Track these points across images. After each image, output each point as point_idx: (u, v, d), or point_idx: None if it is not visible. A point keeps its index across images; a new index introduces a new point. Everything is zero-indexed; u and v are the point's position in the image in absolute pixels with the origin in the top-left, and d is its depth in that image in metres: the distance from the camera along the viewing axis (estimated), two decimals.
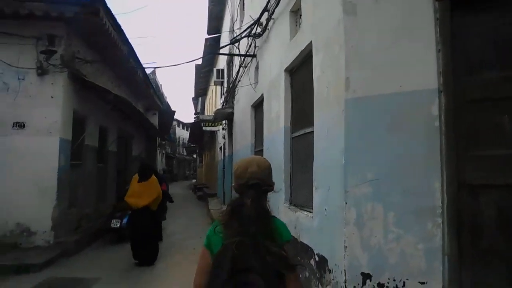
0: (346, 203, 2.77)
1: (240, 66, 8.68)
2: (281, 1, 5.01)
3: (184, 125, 46.58)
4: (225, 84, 12.92)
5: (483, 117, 2.50)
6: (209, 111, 20.67)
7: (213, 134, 18.71)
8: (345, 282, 2.69)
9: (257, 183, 1.57)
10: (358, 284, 2.64)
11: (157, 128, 16.71)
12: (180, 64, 16.03)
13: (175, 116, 25.22)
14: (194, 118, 29.89)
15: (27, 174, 6.41)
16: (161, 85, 24.32)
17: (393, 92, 2.68)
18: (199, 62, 17.72)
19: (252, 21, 6.52)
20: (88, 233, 7.51)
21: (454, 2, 2.57)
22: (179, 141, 44.78)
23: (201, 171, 32.78)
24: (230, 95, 11.19)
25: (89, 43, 7.90)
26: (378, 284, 2.58)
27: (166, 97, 23.59)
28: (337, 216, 2.91)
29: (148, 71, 12.28)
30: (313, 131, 3.79)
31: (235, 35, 9.17)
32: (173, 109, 20.66)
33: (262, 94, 6.30)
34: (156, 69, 22.80)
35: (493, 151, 2.44)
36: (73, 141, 7.30)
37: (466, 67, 2.56)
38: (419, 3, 2.66)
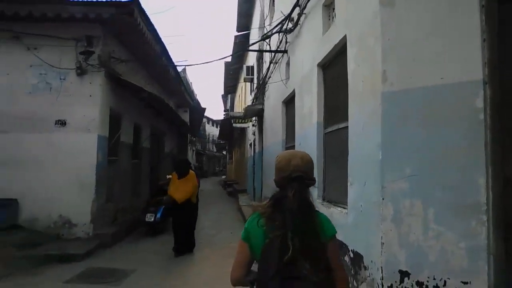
0: (383, 199, 2.71)
1: (270, 62, 8.66)
2: None
3: (214, 122, 47.26)
4: (255, 81, 12.95)
5: None
6: (239, 108, 20.83)
7: (243, 130, 18.82)
8: (382, 279, 2.63)
9: (300, 175, 1.56)
10: (396, 281, 2.58)
11: (188, 125, 17.02)
12: (211, 61, 16.20)
13: (205, 113, 25.58)
14: (224, 115, 30.22)
15: (68, 169, 6.74)
16: (191, 82, 24.74)
17: (433, 85, 2.58)
18: (229, 59, 17.88)
19: (283, 17, 6.49)
20: (123, 226, 7.79)
21: None
22: (208, 138, 45.45)
23: (230, 168, 33.13)
24: (260, 92, 11.20)
25: (124, 43, 8.15)
26: (417, 282, 2.51)
27: (196, 95, 23.99)
28: (373, 212, 2.86)
29: (179, 69, 12.50)
30: (347, 126, 3.72)
31: (265, 32, 9.16)
32: (203, 106, 20.95)
33: (294, 90, 6.26)
34: (186, 67, 23.19)
35: None
36: (110, 138, 7.58)
37: None
38: None
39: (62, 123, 6.93)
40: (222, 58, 17.29)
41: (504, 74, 2.43)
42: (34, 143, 6.78)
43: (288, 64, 6.93)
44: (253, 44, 9.07)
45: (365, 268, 2.96)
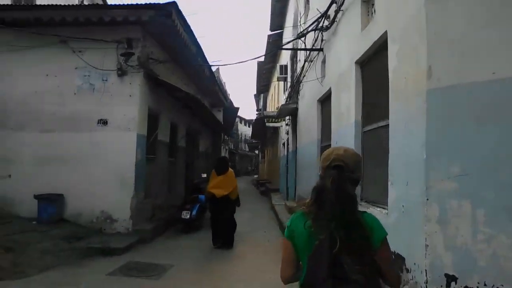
0: (427, 199, 2.61)
1: (305, 61, 8.59)
2: None
3: (246, 122, 47.57)
4: (288, 80, 12.89)
5: None
6: (272, 107, 20.83)
7: (276, 130, 18.81)
8: (426, 283, 2.54)
9: (340, 165, 1.51)
10: (442, 286, 2.48)
11: (222, 124, 17.23)
12: (245, 61, 16.33)
13: (238, 113, 25.78)
14: (256, 114, 30.32)
15: (109, 167, 7.02)
16: (224, 82, 25.06)
17: (484, 80, 2.45)
18: (262, 59, 17.92)
19: (319, 14, 6.42)
20: (160, 223, 8.00)
21: None
22: (241, 137, 45.80)
23: (263, 167, 33.20)
24: (294, 91, 11.14)
25: (161, 44, 8.37)
26: (465, 287, 2.39)
27: (229, 95, 24.26)
28: (417, 213, 2.76)
29: (212, 69, 12.69)
30: (387, 125, 3.63)
31: (299, 30, 9.10)
32: (235, 106, 21.15)
33: (330, 88, 6.17)
34: (219, 67, 23.49)
35: None
36: (148, 136, 7.82)
37: None
38: None
39: (104, 122, 7.23)
40: (256, 58, 17.43)
41: None
42: (78, 142, 7.12)
43: (324, 62, 6.84)
44: (287, 43, 9.03)
45: (408, 271, 2.87)
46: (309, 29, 6.92)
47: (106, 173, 7.01)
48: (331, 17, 5.96)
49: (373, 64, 4.35)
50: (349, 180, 1.51)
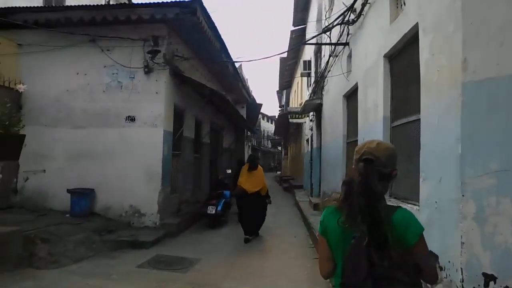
0: (463, 195, 2.53)
1: (330, 56, 8.48)
2: None
3: (269, 118, 47.52)
4: (312, 75, 12.77)
5: None
6: (294, 103, 20.71)
7: (299, 126, 18.71)
8: (462, 281, 2.47)
9: (370, 159, 1.47)
10: (479, 285, 2.40)
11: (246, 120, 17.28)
12: (268, 57, 16.37)
13: (260, 110, 25.75)
14: (279, 111, 30.22)
15: (137, 162, 7.19)
16: (247, 79, 25.08)
17: None
18: (284, 55, 17.83)
19: (345, 8, 6.31)
20: (186, 217, 8.14)
21: None
22: (263, 134, 45.80)
23: (286, 163, 33.12)
24: (318, 86, 11.03)
25: (186, 41, 8.46)
26: (506, 287, 2.31)
27: (251, 91, 24.27)
28: (451, 210, 2.68)
29: (235, 65, 12.72)
30: (418, 119, 3.54)
31: (323, 25, 8.98)
32: (258, 102, 21.11)
33: (356, 83, 6.07)
34: (242, 63, 23.53)
35: None
36: (174, 132, 7.95)
37: None
38: None
39: (131, 119, 7.40)
40: (280, 54, 17.29)
41: None
42: (107, 138, 7.33)
43: (349, 56, 6.73)
44: (312, 38, 8.93)
45: (441, 269, 2.80)
46: (335, 23, 6.81)
47: (134, 169, 7.19)
48: (358, 10, 5.85)
49: (402, 58, 4.24)
50: (380, 174, 1.46)
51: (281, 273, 5.03)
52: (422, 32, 3.39)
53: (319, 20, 10.91)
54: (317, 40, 9.74)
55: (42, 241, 5.03)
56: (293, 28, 15.76)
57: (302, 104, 12.62)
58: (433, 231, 2.97)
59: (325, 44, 8.52)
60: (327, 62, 8.92)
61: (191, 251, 6.02)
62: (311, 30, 12.21)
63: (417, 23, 3.51)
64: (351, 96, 6.83)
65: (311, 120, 13.23)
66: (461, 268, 2.49)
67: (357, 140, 5.95)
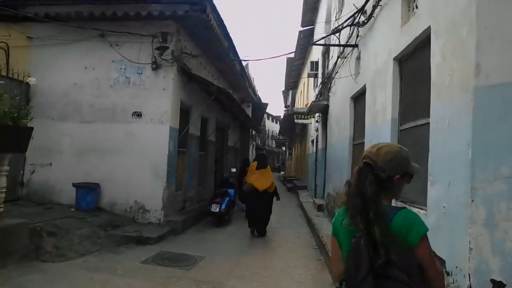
0: (472, 200, 2.51)
1: (338, 57, 8.45)
2: None
3: (274, 118, 47.48)
4: (319, 76, 12.73)
5: None
6: (300, 104, 20.67)
7: (305, 127, 18.68)
8: (470, 287, 2.45)
9: (368, 162, 1.54)
10: None
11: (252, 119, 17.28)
12: (276, 56, 16.45)
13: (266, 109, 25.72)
14: (284, 111, 30.20)
15: (142, 158, 7.22)
16: (253, 78, 25.05)
17: None
18: (292, 55, 17.80)
19: (355, 10, 6.28)
20: (191, 215, 8.16)
21: None
22: (268, 134, 45.77)
23: (290, 164, 33.11)
24: (325, 87, 11.00)
25: (194, 38, 8.46)
26: None
27: (257, 91, 24.24)
28: (460, 214, 2.66)
29: (242, 64, 12.72)
30: (427, 123, 3.51)
31: (332, 26, 8.95)
32: (263, 102, 21.07)
33: (364, 85, 6.04)
34: (249, 63, 23.52)
35: None
36: (180, 129, 7.96)
37: None
38: None
39: (138, 114, 7.42)
40: (289, 53, 17.30)
41: None
42: (114, 133, 7.36)
43: (358, 58, 6.70)
44: (321, 38, 8.89)
45: (448, 274, 2.78)
46: (344, 24, 6.78)
47: (140, 165, 7.21)
48: (368, 12, 5.82)
49: (413, 61, 4.22)
50: (378, 178, 1.50)
51: (284, 273, 5.03)
52: (434, 35, 3.36)
53: (328, 21, 10.88)
54: (325, 41, 9.71)
55: (48, 234, 5.07)
56: (301, 29, 15.73)
57: (308, 105, 12.59)
58: (441, 236, 2.96)
59: (334, 45, 8.49)
60: (335, 63, 8.89)
61: (195, 248, 6.03)
62: (320, 31, 12.18)
63: (429, 26, 3.49)
64: (359, 98, 6.80)
65: (317, 121, 13.21)
66: (469, 274, 2.47)
67: (363, 142, 5.93)
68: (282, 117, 28.64)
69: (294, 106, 24.56)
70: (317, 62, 12.85)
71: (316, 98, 12.22)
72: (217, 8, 7.45)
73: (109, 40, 7.47)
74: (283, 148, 44.64)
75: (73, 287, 4.00)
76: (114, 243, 5.68)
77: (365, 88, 6.02)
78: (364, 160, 1.57)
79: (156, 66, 7.42)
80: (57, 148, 7.43)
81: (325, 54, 11.85)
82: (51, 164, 7.42)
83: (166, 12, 6.96)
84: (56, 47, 7.45)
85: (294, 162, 28.56)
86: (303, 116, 14.96)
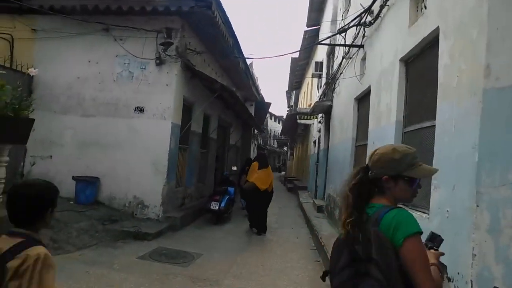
0: (477, 205, 2.46)
1: (343, 58, 8.39)
2: None
3: (276, 118, 47.40)
4: (324, 77, 12.66)
5: None
6: (304, 104, 20.61)
7: (307, 127, 18.62)
8: None
9: (365, 166, 1.58)
10: None
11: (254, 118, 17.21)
12: (283, 55, 16.42)
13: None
14: (287, 111, 30.13)
15: (143, 154, 7.18)
16: (257, 77, 24.99)
17: None
18: (296, 55, 17.74)
19: (362, 10, 6.22)
20: (190, 212, 8.12)
21: None
22: (270, 133, 45.72)
23: (291, 164, 33.05)
24: (329, 88, 10.94)
25: (199, 35, 8.41)
26: None
27: (260, 90, 24.18)
28: (464, 220, 2.61)
29: (246, 62, 12.65)
30: (433, 125, 3.46)
31: (338, 26, 8.88)
32: (266, 101, 21.01)
33: (369, 86, 5.98)
34: (253, 62, 23.47)
35: None
36: (182, 126, 7.92)
37: None
38: None
39: (140, 109, 7.38)
40: (294, 52, 17.41)
41: None
42: (115, 128, 7.33)
43: (364, 59, 6.64)
44: (326, 38, 8.83)
45: (449, 280, 2.72)
46: (351, 24, 6.72)
47: (140, 160, 7.18)
48: (375, 12, 5.76)
49: (420, 62, 4.16)
50: (365, 178, 1.54)
51: (282, 273, 4.99)
52: (443, 36, 3.30)
53: (333, 21, 10.80)
54: (330, 41, 9.64)
55: None
56: (306, 29, 15.66)
57: (312, 105, 12.53)
58: (444, 242, 2.89)
59: (340, 45, 8.43)
60: (340, 64, 8.83)
61: (193, 245, 6.00)
62: (325, 31, 12.11)
63: (437, 26, 3.43)
64: (363, 99, 6.74)
65: (319, 122, 13.14)
66: (471, 281, 2.42)
67: (366, 144, 5.87)
68: (284, 117, 28.59)
69: (297, 106, 24.49)
70: (321, 63, 12.79)
71: (320, 98, 12.15)
72: (222, 5, 7.41)
73: (114, 35, 7.43)
74: (285, 148, 44.57)
75: (69, 281, 3.96)
76: (112, 238, 5.65)
77: (370, 89, 5.96)
78: (366, 163, 1.63)
79: (160, 62, 7.38)
80: (58, 141, 7.40)
81: (330, 55, 11.79)
82: (51, 156, 7.40)
83: (171, 8, 6.92)
84: (60, 40, 7.42)
85: (295, 163, 28.50)
86: (306, 117, 14.91)
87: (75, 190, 6.81)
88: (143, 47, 7.37)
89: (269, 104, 20.62)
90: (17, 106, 4.44)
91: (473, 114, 2.61)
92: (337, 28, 8.56)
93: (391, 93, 4.76)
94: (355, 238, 1.43)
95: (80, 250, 4.96)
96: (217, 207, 8.00)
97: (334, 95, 10.14)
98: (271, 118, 44.35)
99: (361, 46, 6.73)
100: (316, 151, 14.14)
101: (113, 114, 7.38)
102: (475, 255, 2.42)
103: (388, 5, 5.24)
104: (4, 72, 4.60)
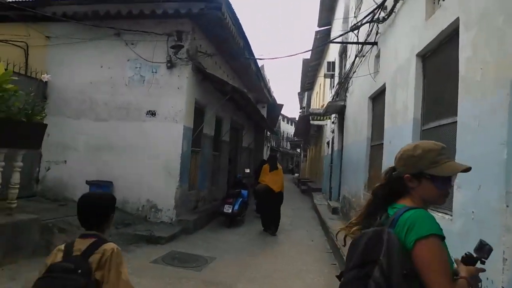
0: (507, 206, 2.29)
1: (356, 56, 8.22)
2: None
3: (288, 120, 47.23)
4: (336, 76, 12.49)
5: None
6: (316, 105, 20.42)
7: (320, 128, 18.42)
8: None
9: (393, 166, 1.52)
10: None
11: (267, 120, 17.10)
12: (294, 54, 16.37)
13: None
14: (299, 112, 29.95)
15: (156, 157, 7.15)
16: (268, 79, 24.89)
17: None
18: (307, 56, 17.61)
19: (375, 6, 6.06)
20: (203, 215, 8.05)
21: None
22: (283, 135, 45.54)
23: (304, 166, 32.79)
24: (342, 88, 10.76)
25: (209, 37, 8.36)
26: None
27: (272, 92, 24.06)
28: (492, 221, 2.44)
29: (258, 64, 12.57)
30: (454, 122, 3.29)
31: (350, 24, 8.72)
32: (278, 103, 20.87)
33: (384, 84, 5.81)
34: (264, 64, 23.41)
35: None
36: (194, 129, 7.87)
37: None
38: None
39: (152, 113, 7.37)
40: (304, 52, 17.26)
41: None
42: (128, 132, 7.33)
43: (377, 56, 6.47)
44: (338, 36, 8.68)
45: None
46: (364, 21, 6.57)
47: (153, 163, 7.15)
48: (389, 8, 5.59)
49: (438, 56, 3.99)
50: (395, 179, 1.49)
51: (296, 278, 4.85)
52: (464, 27, 3.14)
53: (345, 19, 10.63)
54: (342, 39, 9.49)
55: (60, 231, 5.04)
56: (318, 29, 15.52)
57: (324, 106, 12.36)
58: (469, 244, 2.71)
59: (352, 43, 8.28)
60: (353, 62, 8.66)
61: (206, 249, 5.92)
62: (336, 31, 11.94)
63: (457, 18, 3.26)
64: (378, 98, 6.56)
65: (333, 123, 12.96)
66: (502, 287, 2.25)
67: (382, 144, 5.70)
68: (297, 119, 28.40)
69: (309, 107, 24.29)
70: (333, 63, 12.62)
71: (333, 98, 11.97)
72: (232, 6, 7.35)
73: (125, 39, 7.45)
74: (298, 150, 44.32)
75: None
76: (125, 241, 5.60)
77: (385, 87, 5.79)
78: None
79: (170, 65, 7.36)
80: (72, 146, 7.45)
81: (342, 54, 11.62)
82: (65, 161, 7.44)
83: (181, 10, 6.89)
84: (73, 46, 7.47)
85: (308, 164, 28.25)
86: (319, 117, 14.74)
87: None
88: (153, 50, 7.37)
89: (281, 106, 20.47)
90: (29, 111, 4.46)
91: (500, 108, 2.45)
92: (349, 26, 8.40)
93: (408, 90, 4.59)
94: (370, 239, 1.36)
95: None
96: (230, 210, 7.92)
97: (347, 94, 9.96)
98: (283, 120, 44.21)
99: (375, 43, 6.56)
100: (330, 152, 13.94)
101: (125, 118, 7.38)
102: (506, 259, 2.26)
103: (402, 0, 5.08)
104: (17, 78, 4.63)
